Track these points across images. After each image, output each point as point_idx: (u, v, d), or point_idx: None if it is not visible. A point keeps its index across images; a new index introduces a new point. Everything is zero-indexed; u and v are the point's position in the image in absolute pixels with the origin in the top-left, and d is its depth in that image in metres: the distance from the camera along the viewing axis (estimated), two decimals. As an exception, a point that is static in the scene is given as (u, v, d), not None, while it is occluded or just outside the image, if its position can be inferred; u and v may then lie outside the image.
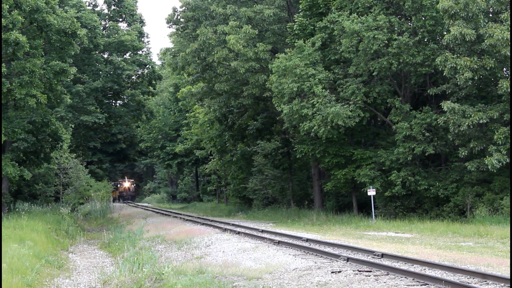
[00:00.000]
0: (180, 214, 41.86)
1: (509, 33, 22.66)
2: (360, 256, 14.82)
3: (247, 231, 23.04)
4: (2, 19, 24.91)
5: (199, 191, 68.22)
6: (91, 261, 19.97)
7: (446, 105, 23.97)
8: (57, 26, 28.12)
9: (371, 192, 27.07)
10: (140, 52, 47.13)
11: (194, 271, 13.80)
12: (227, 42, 31.78)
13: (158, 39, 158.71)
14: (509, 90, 22.65)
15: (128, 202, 73.21)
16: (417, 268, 12.70)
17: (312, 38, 29.37)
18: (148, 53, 48.60)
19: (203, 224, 29.66)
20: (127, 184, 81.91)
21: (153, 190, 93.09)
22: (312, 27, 30.22)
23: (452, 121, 23.94)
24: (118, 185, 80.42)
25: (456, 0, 23.80)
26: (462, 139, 24.68)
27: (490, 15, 25.31)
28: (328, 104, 27.07)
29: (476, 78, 23.61)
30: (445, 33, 25.52)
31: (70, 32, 29.16)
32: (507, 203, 23.35)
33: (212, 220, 31.71)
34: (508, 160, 22.84)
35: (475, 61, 23.42)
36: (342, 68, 29.13)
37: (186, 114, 57.32)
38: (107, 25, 48.65)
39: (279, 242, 18.37)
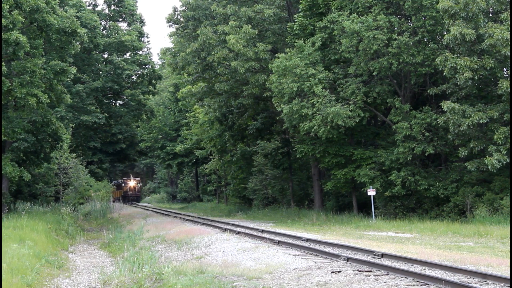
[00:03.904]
0: (180, 214, 41.85)
1: (509, 33, 22.66)
2: (360, 256, 14.82)
3: (247, 231, 23.04)
4: (3, 19, 24.90)
5: (199, 191, 68.16)
6: (91, 261, 19.97)
7: (446, 105, 23.97)
8: (57, 26, 28.12)
9: (371, 192, 27.07)
10: (140, 52, 47.17)
11: (194, 271, 13.80)
12: (227, 42, 31.79)
13: (158, 39, 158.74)
14: (509, 90, 22.65)
15: (133, 203, 66.95)
16: (417, 268, 12.70)
17: (312, 38, 29.37)
18: (148, 53, 48.66)
19: (203, 224, 29.66)
20: (132, 183, 72.89)
21: (153, 190, 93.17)
22: (312, 27, 30.22)
23: (452, 121, 23.94)
24: (123, 184, 72.83)
25: (456, 0, 23.80)
26: (462, 139, 24.67)
27: (490, 15, 25.32)
28: (328, 104, 27.06)
29: (476, 78, 23.62)
30: (445, 33, 25.52)
31: (70, 31, 29.16)
32: (507, 203, 23.35)
33: (212, 220, 31.70)
34: (508, 160, 22.84)
35: (475, 61, 23.42)
36: (342, 68, 29.13)
37: (186, 114, 57.30)
38: (107, 25, 48.71)
39: (279, 242, 18.37)
